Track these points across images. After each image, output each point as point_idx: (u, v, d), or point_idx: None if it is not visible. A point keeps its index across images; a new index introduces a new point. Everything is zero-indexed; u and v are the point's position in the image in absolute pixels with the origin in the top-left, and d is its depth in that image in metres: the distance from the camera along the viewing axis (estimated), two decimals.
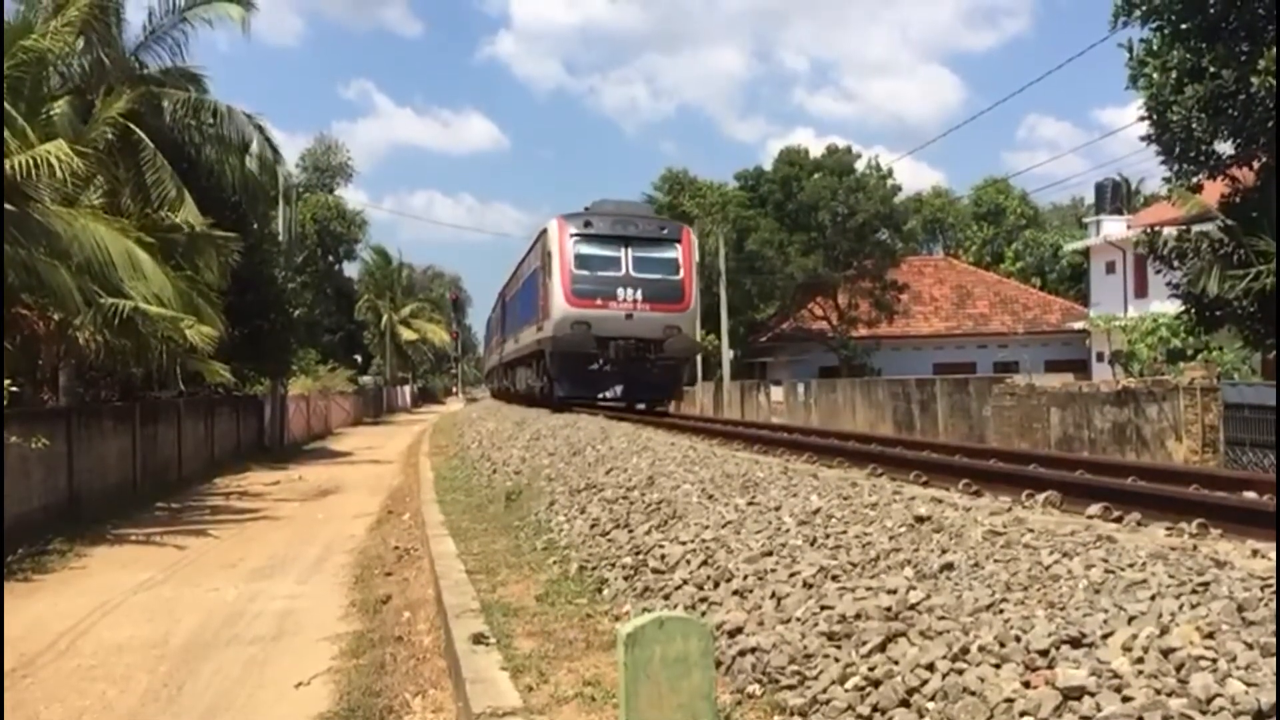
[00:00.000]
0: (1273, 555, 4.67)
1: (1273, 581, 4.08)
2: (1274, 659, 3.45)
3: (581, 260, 20.80)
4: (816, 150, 41.92)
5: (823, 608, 5.00)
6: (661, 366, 21.14)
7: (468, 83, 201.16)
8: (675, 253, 21.42)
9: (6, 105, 13.36)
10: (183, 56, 22.31)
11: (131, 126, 19.38)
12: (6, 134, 13.15)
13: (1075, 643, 3.84)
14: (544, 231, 22.64)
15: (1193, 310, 15.45)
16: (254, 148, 23.51)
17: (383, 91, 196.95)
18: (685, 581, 6.34)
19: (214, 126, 22.33)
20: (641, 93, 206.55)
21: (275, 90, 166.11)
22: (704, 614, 5.62)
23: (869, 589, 5.01)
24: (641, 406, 21.99)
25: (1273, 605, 3.82)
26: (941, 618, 4.45)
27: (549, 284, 21.29)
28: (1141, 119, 14.82)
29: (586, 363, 20.73)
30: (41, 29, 15.50)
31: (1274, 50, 12.61)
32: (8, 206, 12.99)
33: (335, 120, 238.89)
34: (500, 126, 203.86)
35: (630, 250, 20.95)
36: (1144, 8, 14.26)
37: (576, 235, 20.99)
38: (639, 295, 20.56)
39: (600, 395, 21.58)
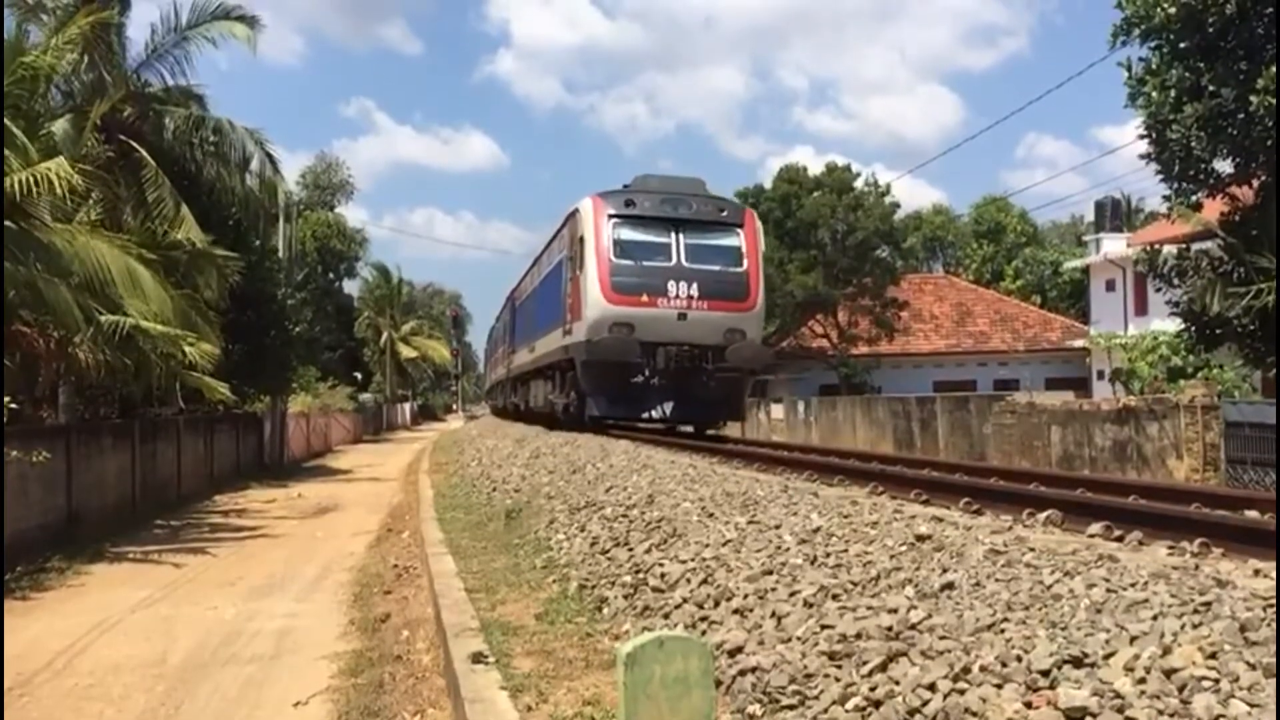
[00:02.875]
0: (1274, 574, 4.65)
1: (1275, 601, 4.06)
2: (1276, 679, 3.43)
3: (623, 247, 17.24)
4: (816, 168, 42.03)
5: (823, 627, 4.98)
6: (721, 379, 17.33)
7: (467, 101, 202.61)
8: (738, 239, 17.80)
9: (7, 122, 13.39)
10: (185, 74, 22.43)
11: (133, 144, 19.50)
12: (7, 151, 13.18)
13: (1077, 663, 3.82)
14: (574, 213, 18.70)
15: (1193, 328, 15.43)
16: (254, 165, 23.57)
17: (383, 109, 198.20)
18: (685, 600, 6.31)
19: (215, 144, 22.39)
20: (641, 111, 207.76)
21: (276, 108, 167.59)
22: (704, 633, 5.60)
23: (870, 608, 4.99)
24: (690, 429, 18.78)
25: (1275, 625, 3.80)
26: (943, 637, 4.43)
27: (581, 277, 17.66)
28: (1141, 137, 14.84)
29: (628, 374, 16.98)
30: (43, 45, 15.55)
31: (1273, 69, 12.63)
32: (8, 224, 13.01)
33: (336, 138, 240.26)
34: (500, 144, 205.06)
35: (683, 235, 17.38)
36: (1143, 27, 14.29)
37: (616, 217, 17.37)
38: (694, 291, 17.07)
39: (644, 415, 17.83)
